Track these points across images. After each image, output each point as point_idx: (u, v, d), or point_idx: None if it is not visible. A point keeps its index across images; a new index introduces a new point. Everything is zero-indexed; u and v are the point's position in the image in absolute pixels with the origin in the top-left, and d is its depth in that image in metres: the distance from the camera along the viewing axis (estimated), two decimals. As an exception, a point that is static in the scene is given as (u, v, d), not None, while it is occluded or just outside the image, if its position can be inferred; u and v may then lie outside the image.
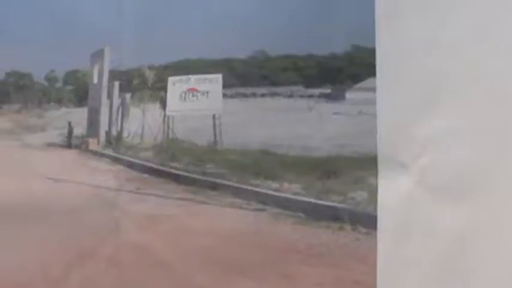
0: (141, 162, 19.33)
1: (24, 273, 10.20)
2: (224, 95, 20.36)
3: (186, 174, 17.52)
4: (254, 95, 25.18)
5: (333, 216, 13.08)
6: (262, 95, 24.88)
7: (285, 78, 24.41)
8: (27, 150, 22.60)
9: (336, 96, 23.23)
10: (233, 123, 20.03)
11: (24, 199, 15.11)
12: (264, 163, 17.06)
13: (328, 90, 23.90)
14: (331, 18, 17.95)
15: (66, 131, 23.57)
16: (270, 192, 15.16)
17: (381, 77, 3.98)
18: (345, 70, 22.85)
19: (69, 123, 23.45)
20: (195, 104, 20.13)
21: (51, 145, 23.54)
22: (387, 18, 3.93)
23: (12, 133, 25.67)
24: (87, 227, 12.91)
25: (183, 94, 20.34)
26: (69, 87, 27.92)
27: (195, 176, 17.24)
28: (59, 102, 28.32)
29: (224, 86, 20.24)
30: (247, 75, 24.52)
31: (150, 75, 21.69)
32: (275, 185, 15.56)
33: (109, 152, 21.10)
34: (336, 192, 14.30)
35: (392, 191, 3.93)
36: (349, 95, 22.33)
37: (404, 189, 3.88)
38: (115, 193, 15.95)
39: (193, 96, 20.24)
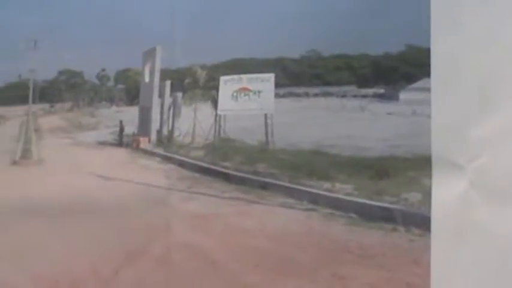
0: (192, 161, 19.38)
1: (75, 272, 10.24)
2: (276, 95, 20.33)
3: (237, 173, 17.52)
4: (306, 94, 25.20)
5: (386, 217, 12.92)
6: (315, 95, 24.88)
7: (337, 78, 24.40)
8: (79, 148, 22.86)
9: (389, 97, 23.15)
10: (285, 123, 20.01)
11: (75, 197, 15.26)
12: (316, 163, 17.00)
13: (382, 90, 23.85)
14: (385, 17, 17.83)
15: (117, 129, 23.81)
16: (322, 192, 15.06)
17: (435, 77, 3.89)
18: (399, 70, 22.74)
19: (121, 122, 23.70)
20: (247, 104, 20.14)
21: (102, 143, 23.79)
22: (443, 17, 3.84)
23: (65, 131, 26.03)
24: (138, 226, 12.94)
25: (235, 93, 20.36)
26: (121, 86, 28.22)
27: (246, 175, 17.22)
28: (110, 100, 28.66)
29: (276, 86, 20.21)
30: (300, 74, 24.54)
31: (201, 74, 21.78)
32: (327, 185, 15.47)
33: (160, 150, 21.22)
34: (389, 193, 14.17)
35: (446, 192, 3.84)
36: (403, 95, 22.21)
37: (459, 191, 3.79)
38: (166, 192, 16.00)
39: (245, 95, 20.25)
